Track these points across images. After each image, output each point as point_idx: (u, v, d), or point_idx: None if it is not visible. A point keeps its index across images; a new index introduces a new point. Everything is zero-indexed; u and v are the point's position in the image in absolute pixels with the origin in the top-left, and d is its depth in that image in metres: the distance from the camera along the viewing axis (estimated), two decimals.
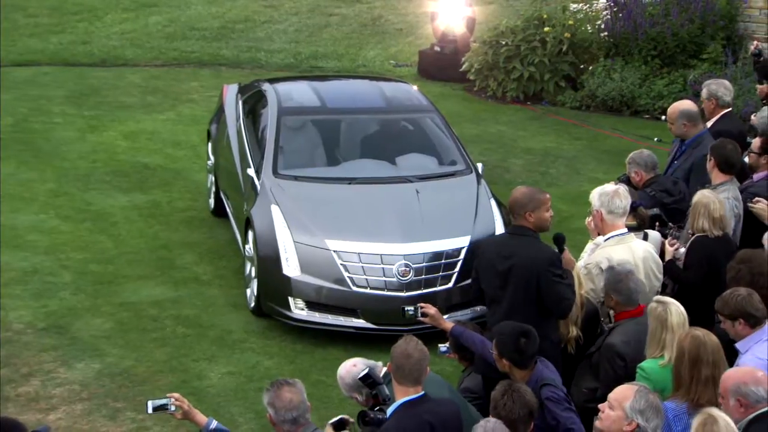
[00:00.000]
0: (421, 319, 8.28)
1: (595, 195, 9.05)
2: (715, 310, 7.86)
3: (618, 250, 8.85)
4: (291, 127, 12.60)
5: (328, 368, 10.94)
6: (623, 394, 6.61)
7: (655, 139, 16.66)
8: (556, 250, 8.52)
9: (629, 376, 8.18)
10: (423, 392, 7.09)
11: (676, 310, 7.69)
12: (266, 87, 13.44)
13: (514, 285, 8.40)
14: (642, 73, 18.06)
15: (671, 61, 18.10)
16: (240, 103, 13.78)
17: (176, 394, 7.20)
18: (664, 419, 6.62)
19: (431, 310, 8.23)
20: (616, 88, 17.96)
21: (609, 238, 8.97)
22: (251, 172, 12.33)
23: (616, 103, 18.07)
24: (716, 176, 10.01)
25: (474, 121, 17.68)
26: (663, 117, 17.78)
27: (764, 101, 13.14)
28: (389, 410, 7.05)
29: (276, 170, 12.09)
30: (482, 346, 7.98)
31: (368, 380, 7.12)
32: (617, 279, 8.36)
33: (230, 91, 14.30)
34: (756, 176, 10.52)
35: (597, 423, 6.68)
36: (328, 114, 12.85)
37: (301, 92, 13.37)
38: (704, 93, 11.50)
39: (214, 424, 7.16)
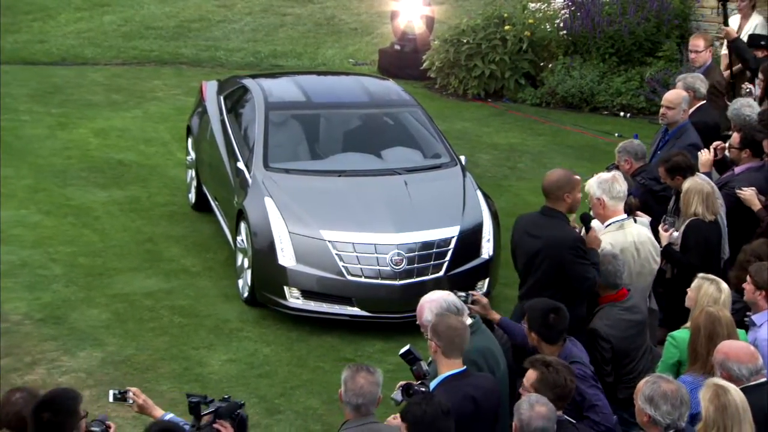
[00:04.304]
0: (471, 306, 8.38)
1: (594, 184, 9.37)
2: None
3: (618, 235, 9.23)
4: (279, 121, 12.87)
5: (325, 355, 11.28)
6: (638, 386, 6.86)
7: (616, 134, 17.15)
8: (583, 230, 8.91)
9: (617, 358, 8.59)
10: (465, 367, 7.41)
11: (726, 288, 8.11)
12: (250, 83, 13.70)
13: (540, 264, 8.87)
14: (600, 71, 18.54)
15: (628, 59, 18.58)
16: (222, 99, 14.02)
17: (134, 389, 7.39)
18: (687, 404, 6.74)
19: (483, 300, 8.42)
20: (576, 86, 18.41)
21: (609, 224, 9.34)
22: (241, 165, 12.58)
23: (575, 100, 18.52)
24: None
25: (438, 117, 17.87)
26: (622, 113, 18.38)
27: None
28: (433, 384, 7.34)
29: (266, 163, 12.36)
30: (523, 340, 8.28)
31: (409, 356, 7.40)
32: (599, 260, 8.76)
33: (210, 88, 14.53)
34: (737, 169, 10.94)
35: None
36: (314, 109, 13.14)
37: (285, 88, 13.65)
38: (681, 86, 11.90)
39: (168, 417, 7.32)
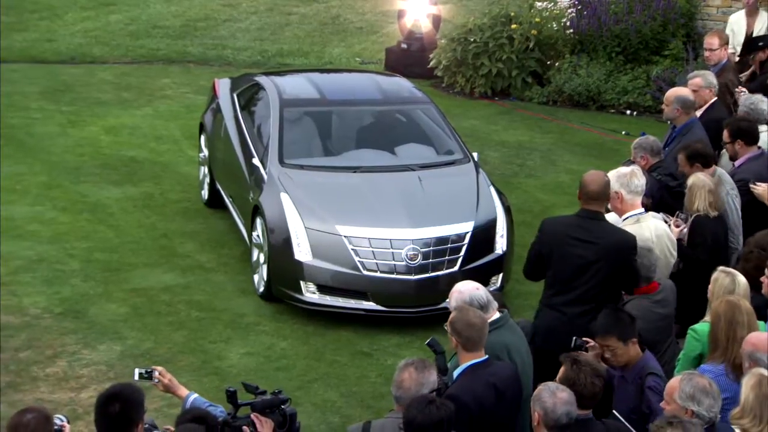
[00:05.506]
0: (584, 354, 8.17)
1: (613, 177, 9.48)
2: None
3: (635, 229, 9.35)
4: (293, 118, 13.00)
5: (341, 348, 11.42)
6: (671, 386, 7.02)
7: (623, 132, 17.34)
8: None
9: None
10: (487, 356, 7.55)
11: (742, 281, 8.26)
12: (264, 80, 13.82)
13: (599, 270, 8.81)
14: (607, 69, 18.68)
15: (634, 58, 18.72)
16: (235, 96, 14.15)
17: (160, 368, 7.50)
18: (720, 398, 6.94)
19: (598, 348, 8.13)
20: (583, 84, 18.55)
21: (627, 218, 9.46)
22: (256, 162, 12.72)
23: (582, 98, 18.65)
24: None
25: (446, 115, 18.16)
26: (628, 111, 18.54)
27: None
28: (456, 373, 7.49)
29: (282, 160, 12.49)
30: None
31: (432, 348, 7.54)
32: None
33: (222, 85, 14.66)
34: (737, 163, 11.08)
35: None
36: (328, 105, 13.26)
37: (299, 85, 13.75)
38: (701, 82, 12.03)
39: (193, 397, 7.42)
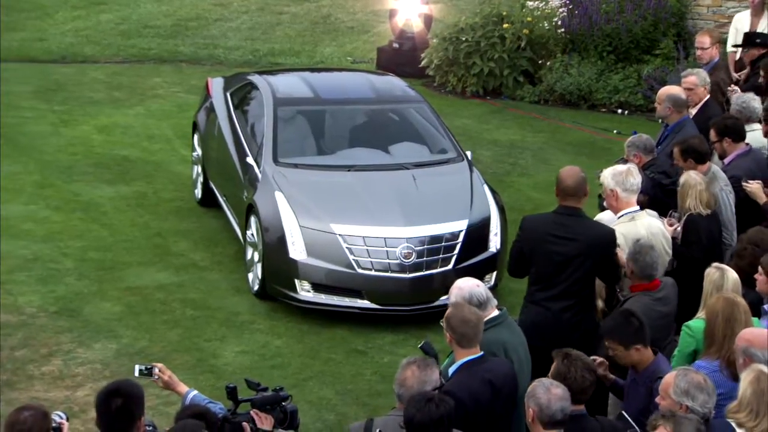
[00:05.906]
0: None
1: (608, 175, 9.54)
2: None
3: (630, 227, 9.40)
4: (287, 117, 13.03)
5: (336, 346, 11.45)
6: (666, 382, 7.05)
7: (615, 131, 17.40)
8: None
9: None
10: (482, 353, 7.59)
11: (732, 276, 8.31)
12: (257, 79, 13.85)
13: (580, 266, 8.87)
14: (598, 68, 18.74)
15: (626, 57, 18.78)
16: (228, 95, 14.17)
17: (160, 365, 7.52)
18: (715, 394, 6.99)
19: (606, 363, 8.19)
20: (574, 83, 18.60)
21: (622, 216, 9.51)
22: (250, 161, 12.75)
23: (573, 97, 18.71)
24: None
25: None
26: (619, 110, 18.60)
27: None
28: (451, 369, 7.53)
29: (276, 158, 12.52)
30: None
31: (423, 353, 7.57)
32: (637, 250, 8.90)
33: (216, 84, 14.68)
34: (726, 160, 11.13)
35: None
36: (322, 104, 13.30)
37: (292, 84, 13.79)
38: (696, 80, 12.09)
39: (192, 393, 7.44)
